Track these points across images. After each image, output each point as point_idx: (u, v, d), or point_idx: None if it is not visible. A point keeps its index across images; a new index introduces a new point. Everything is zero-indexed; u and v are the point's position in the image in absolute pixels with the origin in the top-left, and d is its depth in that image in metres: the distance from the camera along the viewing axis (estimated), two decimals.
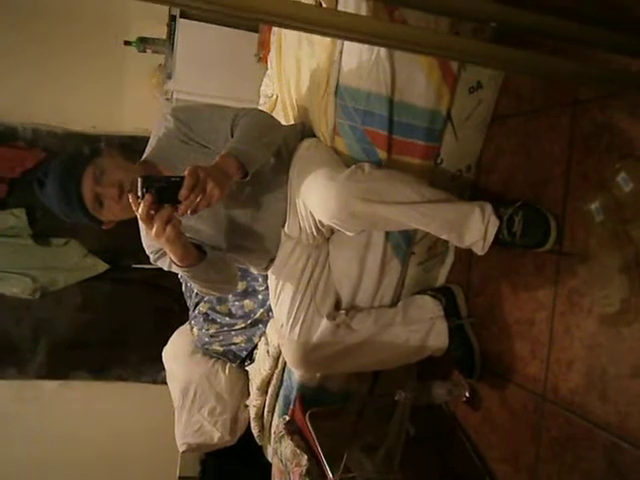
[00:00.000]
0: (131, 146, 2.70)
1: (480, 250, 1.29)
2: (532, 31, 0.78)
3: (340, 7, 1.35)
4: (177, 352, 2.14)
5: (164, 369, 2.20)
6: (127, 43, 2.88)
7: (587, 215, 1.15)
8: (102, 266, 2.95)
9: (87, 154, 1.34)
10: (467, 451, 1.54)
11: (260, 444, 2.00)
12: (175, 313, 2.39)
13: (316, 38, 1.50)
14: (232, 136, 1.35)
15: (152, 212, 1.09)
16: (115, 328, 2.98)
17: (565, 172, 1.27)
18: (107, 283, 2.97)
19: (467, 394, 1.53)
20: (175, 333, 2.22)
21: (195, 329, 2.09)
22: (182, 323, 2.24)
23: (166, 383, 2.18)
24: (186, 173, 1.08)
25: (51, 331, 2.94)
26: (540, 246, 1.26)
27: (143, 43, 2.89)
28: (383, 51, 1.28)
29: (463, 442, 1.56)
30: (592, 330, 1.17)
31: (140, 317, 2.98)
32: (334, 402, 1.67)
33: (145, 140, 1.49)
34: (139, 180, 1.08)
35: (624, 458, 1.09)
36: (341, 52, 1.38)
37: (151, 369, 2.89)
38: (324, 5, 1.38)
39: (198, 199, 1.09)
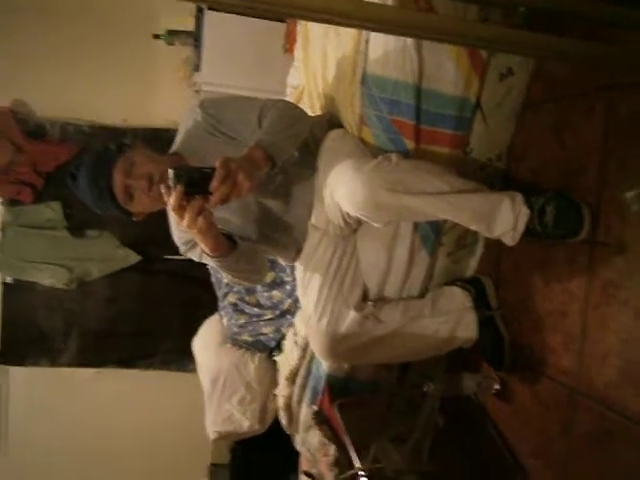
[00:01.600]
0: (160, 138, 2.73)
1: (510, 241, 1.26)
2: (563, 14, 0.75)
3: None
4: (207, 342, 2.17)
5: (194, 358, 2.23)
6: (156, 36, 2.92)
7: (622, 204, 1.11)
8: (134, 257, 3.02)
9: (117, 147, 1.37)
10: (497, 444, 1.52)
11: (289, 433, 2.02)
12: (205, 304, 2.42)
13: (342, 28, 1.48)
14: (260, 127, 1.36)
15: (184, 203, 1.11)
16: (146, 318, 3.05)
17: (600, 160, 1.23)
18: (138, 274, 3.04)
19: (497, 386, 1.51)
20: (205, 323, 2.25)
21: (224, 319, 2.11)
22: (212, 313, 2.27)
23: (196, 372, 2.22)
24: (217, 164, 1.09)
25: (83, 321, 3.03)
26: (573, 236, 1.23)
27: (171, 36, 2.92)
28: (410, 39, 1.26)
29: (492, 435, 1.54)
30: (628, 323, 1.14)
31: (170, 307, 3.04)
32: (362, 392, 1.67)
33: (174, 132, 1.51)
34: (171, 171, 1.10)
35: None
36: (367, 41, 1.36)
37: (182, 358, 2.94)
38: None
39: (229, 190, 1.09)
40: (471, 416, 1.61)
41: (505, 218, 1.23)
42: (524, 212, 1.23)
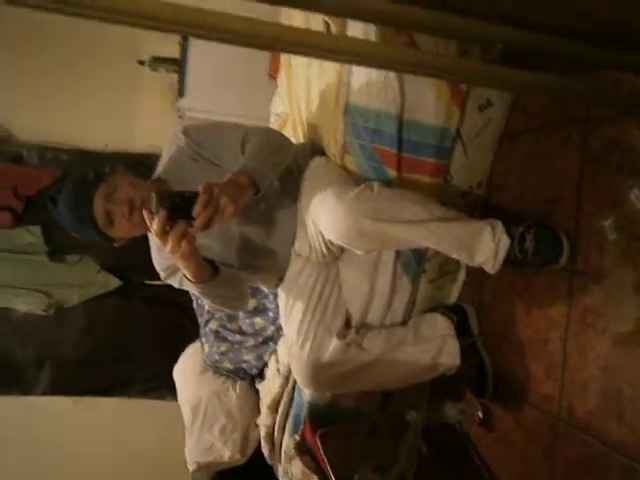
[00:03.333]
0: (144, 164, 2.73)
1: (491, 269, 1.27)
2: (539, 51, 0.77)
3: (349, 32, 1.36)
4: (188, 370, 2.14)
5: (173, 387, 2.19)
6: (140, 62, 2.93)
7: (600, 233, 1.14)
8: (115, 282, 2.98)
9: (99, 172, 1.36)
10: (480, 472, 1.51)
11: (270, 464, 1.98)
12: (186, 331, 2.39)
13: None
14: (242, 154, 1.36)
15: (167, 228, 1.10)
16: (124, 346, 2.98)
17: (577, 189, 1.25)
18: (118, 300, 2.99)
19: (480, 414, 1.51)
20: (186, 351, 2.22)
21: (206, 346, 2.09)
22: (193, 340, 2.24)
23: (176, 401, 2.18)
24: (200, 189, 1.09)
25: (58, 349, 2.95)
26: (552, 264, 1.25)
27: (156, 62, 2.94)
28: (392, 72, 1.29)
29: (476, 463, 1.53)
30: (606, 350, 1.15)
31: (150, 335, 2.98)
32: (345, 421, 1.65)
33: (157, 158, 1.51)
34: (153, 196, 1.09)
35: None
36: (350, 72, 1.39)
37: (161, 387, 2.88)
38: (332, 29, 1.39)
39: (212, 215, 1.09)
40: (454, 444, 1.60)
41: (486, 246, 1.25)
42: (504, 240, 1.25)
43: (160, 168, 1.46)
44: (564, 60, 1.04)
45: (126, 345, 2.98)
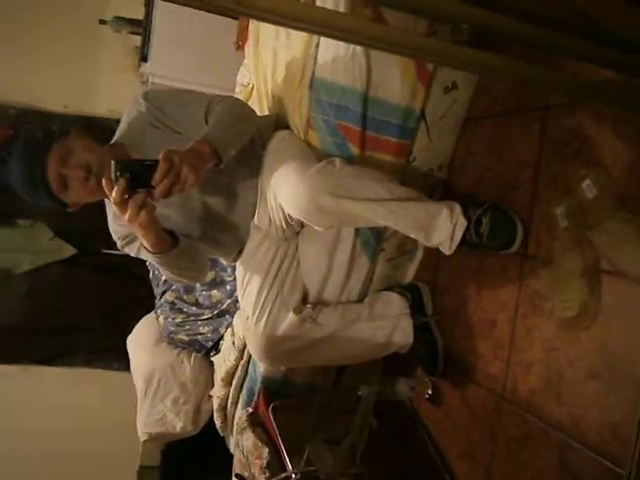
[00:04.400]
0: (102, 128, 2.64)
1: (447, 250, 1.30)
2: (503, 36, 0.78)
3: (318, 2, 1.34)
4: (142, 340, 2.12)
5: (123, 357, 2.17)
6: (102, 22, 2.81)
7: (552, 220, 1.17)
8: (69, 250, 2.89)
9: (54, 133, 1.31)
10: (427, 447, 1.56)
11: (222, 435, 1.99)
12: (142, 300, 2.35)
13: (293, 31, 1.48)
14: (206, 123, 1.33)
15: (126, 197, 1.07)
16: (73, 314, 2.92)
17: (533, 176, 1.28)
18: (68, 267, 2.91)
19: (430, 391, 1.55)
20: (141, 321, 2.19)
21: (161, 318, 2.07)
22: (148, 311, 2.21)
23: (125, 371, 2.16)
24: (160, 157, 1.06)
25: (13, 315, 2.86)
26: (506, 248, 1.28)
27: (119, 23, 2.83)
28: (359, 47, 1.28)
29: (424, 438, 1.58)
30: (551, 333, 1.20)
31: (102, 303, 2.93)
32: (298, 395, 1.67)
33: (117, 123, 1.46)
34: (112, 164, 1.06)
35: (576, 458, 1.12)
36: (317, 45, 1.37)
37: (115, 356, 2.84)
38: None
39: (172, 183, 1.07)
40: (404, 420, 1.64)
41: (443, 227, 1.27)
42: (461, 222, 1.27)
43: (119, 133, 1.42)
44: (529, 47, 1.06)
45: (74, 314, 2.91)
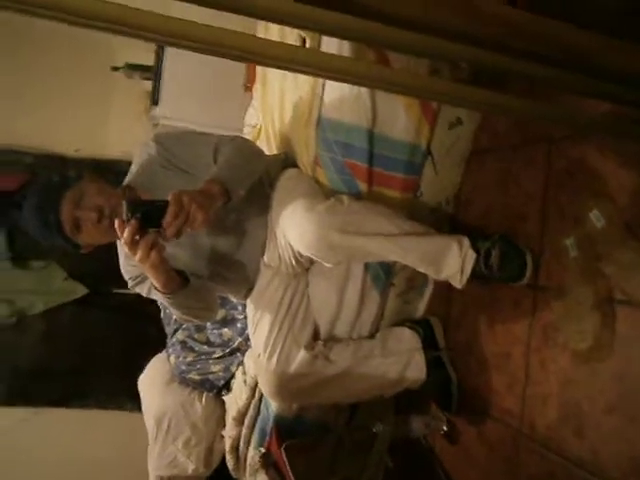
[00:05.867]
0: (114, 171, 2.69)
1: (458, 283, 1.29)
2: (500, 72, 0.80)
3: (323, 47, 1.38)
4: (153, 380, 2.10)
5: (134, 398, 2.15)
6: (115, 69, 2.91)
7: (562, 250, 1.16)
8: (81, 290, 2.91)
9: (69, 178, 1.34)
10: None
11: (235, 477, 1.95)
12: (153, 340, 2.34)
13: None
14: (215, 163, 1.36)
15: (137, 237, 1.09)
16: (86, 354, 2.91)
17: (541, 207, 1.29)
18: (82, 307, 2.92)
19: (445, 427, 1.52)
20: (152, 361, 2.18)
21: (172, 357, 2.06)
22: (159, 351, 2.20)
23: (136, 412, 2.13)
24: (170, 198, 1.08)
25: (15, 357, 2.86)
26: (517, 280, 1.28)
27: (131, 69, 2.92)
28: (364, 87, 1.31)
29: (440, 476, 1.54)
30: (566, 366, 1.18)
31: (114, 343, 2.92)
32: (311, 433, 1.64)
33: (128, 165, 1.49)
34: (124, 204, 1.08)
35: None
36: (323, 85, 1.40)
37: (128, 397, 2.82)
38: (308, 44, 1.41)
39: (182, 223, 1.08)
40: (419, 457, 1.61)
41: (452, 261, 1.27)
42: (471, 255, 1.27)
43: (130, 176, 1.45)
44: (530, 83, 1.08)
45: (87, 354, 2.90)
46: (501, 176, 1.42)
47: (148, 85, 2.93)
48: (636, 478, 1.02)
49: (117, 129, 3.01)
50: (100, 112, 3.01)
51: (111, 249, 1.46)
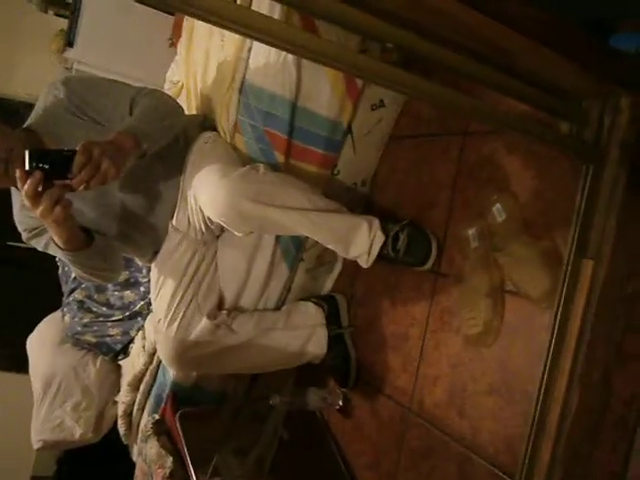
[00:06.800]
0: (15, 112, 2.48)
1: (364, 263, 1.32)
2: (425, 59, 0.81)
3: (254, 6, 1.33)
4: (44, 340, 1.98)
5: (25, 358, 2.02)
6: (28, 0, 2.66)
7: (464, 240, 1.22)
8: None
9: None
10: (336, 457, 1.57)
11: (125, 443, 1.90)
12: (48, 298, 2.20)
13: (227, 32, 1.46)
14: (130, 115, 1.28)
15: (40, 189, 1.00)
16: None
17: (449, 197, 1.34)
18: None
19: (340, 402, 1.56)
20: (44, 320, 2.06)
21: (67, 317, 1.95)
22: (54, 309, 2.08)
23: (27, 373, 2.01)
24: (78, 148, 1.01)
25: None
26: (421, 265, 1.32)
27: (46, 2, 2.68)
28: (290, 56, 1.28)
29: (332, 449, 1.59)
30: (457, 349, 1.24)
31: (6, 299, 2.72)
32: (209, 402, 1.63)
33: (33, 107, 1.37)
34: (27, 153, 0.99)
35: (474, 469, 1.16)
36: (250, 50, 1.36)
37: (12, 356, 2.65)
38: (239, 1, 1.35)
39: (90, 177, 1.01)
40: (314, 430, 1.64)
41: (361, 241, 1.29)
42: (379, 237, 1.30)
43: (32, 118, 1.33)
44: (456, 74, 1.10)
45: None
46: (417, 163, 1.45)
47: (64, 23, 2.70)
48: (506, 455, 1.10)
49: (24, 67, 2.77)
50: (8, 47, 2.76)
51: (4, 196, 1.34)
